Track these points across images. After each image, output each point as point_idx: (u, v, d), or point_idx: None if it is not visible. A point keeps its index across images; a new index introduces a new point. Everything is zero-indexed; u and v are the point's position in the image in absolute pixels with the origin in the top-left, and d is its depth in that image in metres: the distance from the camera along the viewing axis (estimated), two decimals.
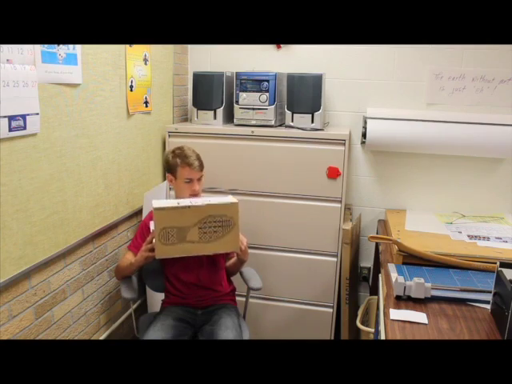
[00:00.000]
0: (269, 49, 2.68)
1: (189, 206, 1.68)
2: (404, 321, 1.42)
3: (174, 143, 2.47)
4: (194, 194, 1.96)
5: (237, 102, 2.46)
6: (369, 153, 2.66)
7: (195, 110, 2.55)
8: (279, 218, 2.45)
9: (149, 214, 2.09)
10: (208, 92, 2.50)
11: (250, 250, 2.46)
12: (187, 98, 2.86)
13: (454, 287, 1.63)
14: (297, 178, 2.38)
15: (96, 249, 2.05)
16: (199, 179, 1.98)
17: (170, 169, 2.00)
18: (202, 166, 1.98)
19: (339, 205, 2.37)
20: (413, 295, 1.55)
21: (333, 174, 2.33)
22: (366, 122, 2.49)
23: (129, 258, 1.98)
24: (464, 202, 2.58)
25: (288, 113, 2.43)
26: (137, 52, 2.20)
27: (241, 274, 2.18)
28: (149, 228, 2.00)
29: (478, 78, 2.46)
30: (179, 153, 1.98)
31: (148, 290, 2.36)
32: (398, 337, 1.33)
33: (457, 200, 2.59)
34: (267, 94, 2.40)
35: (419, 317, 1.45)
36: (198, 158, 1.99)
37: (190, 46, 2.80)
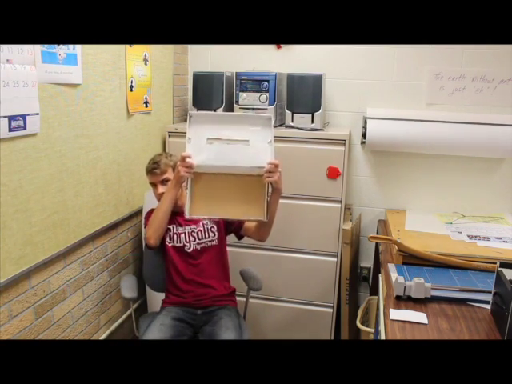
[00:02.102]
0: (269, 49, 2.68)
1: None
2: (404, 321, 1.42)
3: (174, 143, 2.47)
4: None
5: (237, 102, 2.46)
6: (369, 153, 2.66)
7: (195, 109, 2.55)
8: (279, 218, 2.44)
9: (146, 215, 2.09)
10: (208, 92, 2.50)
11: (250, 251, 2.48)
12: (187, 98, 2.86)
13: (454, 287, 1.63)
14: (297, 178, 2.38)
15: (96, 249, 2.05)
16: (163, 181, 1.97)
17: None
18: (162, 169, 1.96)
19: (339, 205, 2.37)
20: (413, 295, 1.54)
21: (333, 174, 2.33)
22: (365, 122, 2.49)
23: None
24: (464, 202, 2.58)
25: (288, 113, 2.43)
26: (137, 52, 2.20)
27: (241, 274, 2.18)
28: None
29: (478, 78, 2.46)
30: (150, 159, 2.02)
31: (148, 289, 2.36)
32: (398, 337, 1.33)
33: (457, 200, 2.59)
34: (267, 93, 2.40)
35: (419, 317, 1.45)
36: (161, 162, 1.97)
37: (189, 46, 2.80)
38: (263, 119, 1.77)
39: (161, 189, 1.96)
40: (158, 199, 1.97)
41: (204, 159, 1.72)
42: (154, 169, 1.97)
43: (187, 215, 1.72)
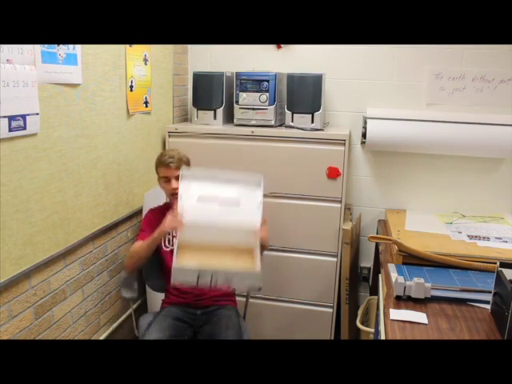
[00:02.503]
0: (269, 49, 2.68)
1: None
2: (404, 321, 1.42)
3: (174, 143, 2.47)
4: (174, 194, 1.92)
5: (237, 102, 2.46)
6: (369, 153, 2.66)
7: (195, 109, 2.55)
8: (279, 218, 2.45)
9: (144, 218, 2.09)
10: (208, 92, 2.50)
11: None
12: (187, 98, 2.86)
13: (454, 287, 1.63)
14: (297, 178, 2.38)
15: (96, 249, 2.05)
16: (178, 177, 1.92)
17: (155, 170, 2.04)
18: (178, 163, 1.95)
19: (339, 205, 2.37)
20: (413, 295, 1.54)
21: (333, 174, 2.33)
22: (365, 122, 2.49)
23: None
24: (464, 202, 2.58)
25: (288, 113, 2.43)
26: (137, 52, 2.20)
27: None
28: (153, 219, 1.99)
29: (478, 78, 2.46)
30: (160, 154, 2.02)
31: (148, 289, 2.36)
32: (398, 337, 1.33)
33: (457, 200, 2.59)
34: (267, 93, 2.40)
35: (419, 317, 1.45)
36: (176, 156, 1.96)
37: (189, 46, 2.80)
38: (254, 179, 1.81)
39: (174, 183, 1.93)
40: (170, 194, 1.98)
41: (194, 219, 1.73)
42: (170, 163, 1.95)
43: (175, 265, 1.66)
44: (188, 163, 2.04)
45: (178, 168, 1.95)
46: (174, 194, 1.95)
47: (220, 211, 1.76)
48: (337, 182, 2.34)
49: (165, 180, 1.98)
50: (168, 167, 1.95)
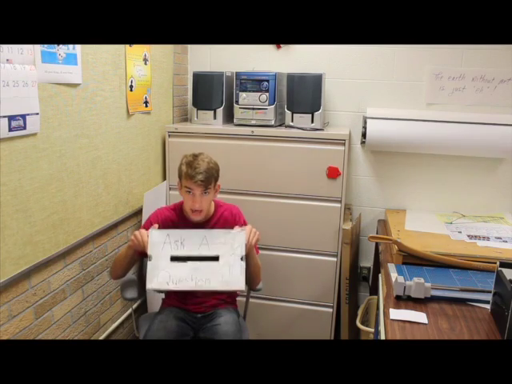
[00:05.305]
0: (269, 49, 2.67)
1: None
2: (404, 321, 1.42)
3: (174, 143, 2.47)
4: (195, 210, 1.79)
5: (237, 102, 2.46)
6: (369, 153, 2.66)
7: (195, 109, 2.55)
8: (279, 218, 2.45)
9: (152, 213, 2.07)
10: (208, 92, 2.50)
11: None
12: (187, 98, 2.86)
13: (454, 287, 1.63)
14: (297, 177, 2.38)
15: (96, 249, 2.05)
16: (205, 192, 1.78)
17: (178, 175, 1.84)
18: (207, 182, 1.75)
19: (339, 205, 2.37)
20: (413, 295, 1.55)
21: (333, 173, 2.33)
22: (365, 122, 2.49)
23: None
24: (464, 202, 2.58)
25: (288, 113, 2.43)
26: (137, 52, 2.20)
27: None
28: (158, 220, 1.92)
29: (478, 78, 2.46)
30: (189, 161, 1.78)
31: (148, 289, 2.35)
32: (398, 337, 1.33)
33: (457, 200, 2.59)
34: (267, 93, 2.40)
35: (419, 317, 1.45)
36: (207, 171, 1.75)
37: (189, 46, 2.80)
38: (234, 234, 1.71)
39: (198, 204, 1.75)
40: (189, 209, 1.82)
41: (169, 280, 1.64)
42: (198, 179, 1.72)
43: (148, 287, 1.63)
44: (217, 174, 1.84)
45: (206, 186, 1.75)
46: (193, 211, 1.81)
47: (196, 272, 1.68)
48: (337, 182, 2.34)
49: (187, 190, 1.79)
50: (194, 181, 1.74)
